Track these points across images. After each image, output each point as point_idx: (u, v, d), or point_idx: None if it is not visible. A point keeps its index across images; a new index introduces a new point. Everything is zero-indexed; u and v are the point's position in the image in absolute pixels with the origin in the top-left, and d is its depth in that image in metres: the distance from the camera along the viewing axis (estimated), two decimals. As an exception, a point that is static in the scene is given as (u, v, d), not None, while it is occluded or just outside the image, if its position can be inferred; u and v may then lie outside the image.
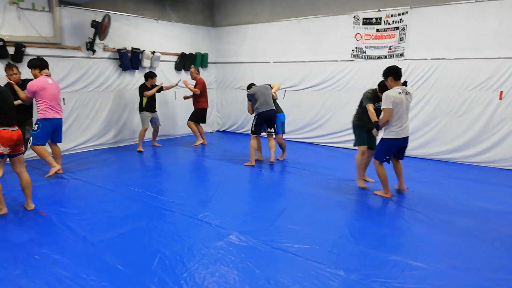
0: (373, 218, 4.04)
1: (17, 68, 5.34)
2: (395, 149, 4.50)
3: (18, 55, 5.90)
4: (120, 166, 6.01)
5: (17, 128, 3.95)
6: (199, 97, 7.48)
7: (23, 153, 4.16)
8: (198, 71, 7.68)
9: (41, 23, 6.23)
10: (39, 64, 5.14)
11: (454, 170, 5.91)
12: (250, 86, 6.39)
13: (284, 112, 6.48)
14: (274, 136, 6.21)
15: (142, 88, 7.03)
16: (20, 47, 5.89)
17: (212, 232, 3.61)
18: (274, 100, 6.16)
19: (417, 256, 3.16)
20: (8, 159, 4.19)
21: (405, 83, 4.47)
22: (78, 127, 6.92)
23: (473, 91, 6.12)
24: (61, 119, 5.33)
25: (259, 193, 5.00)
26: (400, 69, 4.40)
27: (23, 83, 5.31)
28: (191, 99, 7.61)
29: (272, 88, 6.12)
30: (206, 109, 7.72)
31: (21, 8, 5.97)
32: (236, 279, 2.80)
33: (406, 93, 4.31)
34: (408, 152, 6.69)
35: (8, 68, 5.29)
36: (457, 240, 3.50)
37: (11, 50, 5.85)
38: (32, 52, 6.11)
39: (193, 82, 7.64)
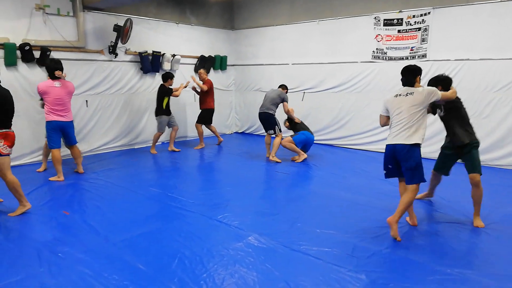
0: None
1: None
2: (389, 159, 3.67)
3: (44, 59, 6.07)
4: (140, 167, 6.09)
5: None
6: (206, 97, 7.49)
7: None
8: (207, 73, 7.82)
9: (65, 28, 6.41)
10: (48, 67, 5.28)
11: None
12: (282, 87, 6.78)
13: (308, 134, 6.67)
14: (273, 136, 6.64)
15: (164, 90, 6.92)
16: (45, 51, 6.06)
17: (231, 233, 3.62)
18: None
19: (442, 260, 3.09)
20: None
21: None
22: (100, 129, 7.07)
23: (498, 93, 5.95)
24: (66, 121, 5.25)
25: (278, 195, 4.99)
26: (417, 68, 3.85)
27: None
28: (198, 99, 7.67)
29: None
30: (212, 110, 7.70)
31: (46, 13, 6.15)
32: (255, 280, 2.79)
33: (407, 94, 3.63)
34: (429, 154, 6.63)
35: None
36: (484, 245, 3.40)
37: (36, 54, 6.03)
38: (57, 55, 6.27)
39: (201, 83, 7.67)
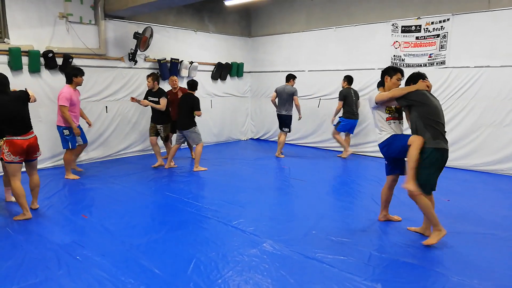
0: (411, 232, 3.90)
1: None
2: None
3: (66, 66, 6.25)
4: (157, 172, 6.17)
5: (30, 136, 4.10)
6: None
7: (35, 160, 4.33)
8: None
9: (87, 36, 6.58)
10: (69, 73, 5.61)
11: (499, 183, 5.62)
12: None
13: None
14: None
15: (196, 100, 6.15)
16: (67, 58, 6.24)
17: (246, 240, 3.62)
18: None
19: (459, 271, 3.03)
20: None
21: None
22: (119, 134, 7.20)
23: (520, 100, 5.82)
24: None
25: (293, 201, 4.98)
26: None
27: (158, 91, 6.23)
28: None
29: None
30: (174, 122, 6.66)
31: (69, 21, 6.34)
32: (270, 287, 2.79)
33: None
34: (449, 163, 6.46)
35: None
36: (503, 256, 3.31)
37: (59, 61, 6.21)
38: (78, 62, 6.45)
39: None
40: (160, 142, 6.80)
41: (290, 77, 7.31)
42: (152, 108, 6.27)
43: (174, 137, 6.84)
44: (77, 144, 5.74)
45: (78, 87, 5.71)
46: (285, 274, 2.97)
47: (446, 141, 3.49)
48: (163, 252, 3.36)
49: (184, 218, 4.21)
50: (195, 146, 6.37)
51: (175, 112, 6.44)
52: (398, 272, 3.04)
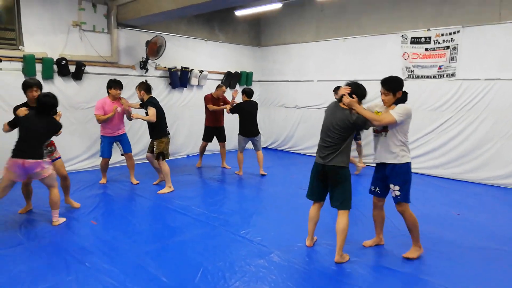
0: (429, 246, 3.86)
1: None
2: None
3: (78, 73, 6.35)
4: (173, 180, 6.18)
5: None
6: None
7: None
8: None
9: (100, 44, 6.69)
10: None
11: (511, 197, 5.54)
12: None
13: None
14: None
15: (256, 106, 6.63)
16: (80, 65, 6.34)
17: (254, 249, 3.62)
18: None
19: (468, 286, 2.98)
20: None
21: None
22: (130, 140, 7.22)
23: (532, 113, 5.76)
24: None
25: (301, 212, 4.95)
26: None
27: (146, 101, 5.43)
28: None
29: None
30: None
31: (83, 29, 6.45)
32: (277, 299, 2.78)
33: None
34: (459, 175, 6.46)
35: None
36: (514, 272, 3.26)
37: (72, 68, 6.31)
38: (91, 70, 6.56)
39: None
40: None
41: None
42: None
43: (214, 146, 7.23)
44: (121, 154, 5.85)
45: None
46: (292, 286, 2.96)
47: (321, 155, 3.41)
48: (171, 260, 3.37)
49: (192, 226, 4.22)
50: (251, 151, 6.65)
51: (211, 118, 6.85)
52: (406, 285, 3.01)
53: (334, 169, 3.33)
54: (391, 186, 3.40)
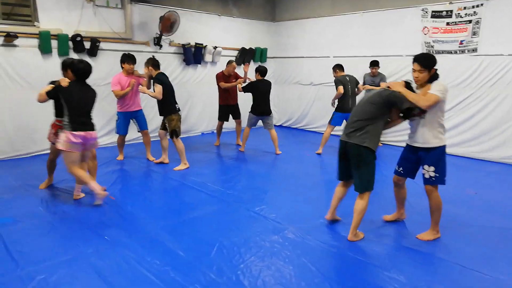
0: (448, 225, 3.84)
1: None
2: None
3: (93, 50, 6.35)
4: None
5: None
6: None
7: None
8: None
9: (114, 20, 6.66)
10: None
11: (530, 176, 5.44)
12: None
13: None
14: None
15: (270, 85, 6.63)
16: (95, 42, 6.34)
17: (268, 226, 3.66)
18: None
19: (483, 265, 2.97)
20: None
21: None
22: (146, 117, 7.27)
23: (556, 91, 5.57)
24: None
25: (317, 189, 4.97)
26: None
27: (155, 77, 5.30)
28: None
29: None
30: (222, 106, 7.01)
31: (96, 5, 6.41)
32: (292, 274, 2.82)
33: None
34: (478, 154, 6.34)
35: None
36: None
37: (87, 44, 6.31)
38: (105, 46, 6.56)
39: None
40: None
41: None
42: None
43: (229, 124, 7.37)
44: (138, 131, 5.94)
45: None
46: (307, 262, 3.00)
47: (346, 131, 3.34)
48: (188, 235, 3.44)
49: (208, 202, 4.27)
50: (268, 130, 6.57)
51: (225, 96, 6.80)
52: (421, 264, 3.02)
53: (355, 147, 3.22)
54: (426, 167, 3.29)
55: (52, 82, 4.08)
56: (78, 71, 3.97)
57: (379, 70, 7.03)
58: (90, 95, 4.09)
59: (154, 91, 5.27)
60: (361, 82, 7.22)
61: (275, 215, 3.91)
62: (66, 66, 4.14)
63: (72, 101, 3.93)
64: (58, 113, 4.20)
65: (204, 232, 3.51)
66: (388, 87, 3.28)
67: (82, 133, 3.94)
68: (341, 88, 6.14)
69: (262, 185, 4.95)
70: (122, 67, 5.60)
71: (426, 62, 3.25)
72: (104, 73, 6.58)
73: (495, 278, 2.80)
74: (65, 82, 3.93)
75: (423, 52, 3.36)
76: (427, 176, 3.31)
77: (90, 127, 4.06)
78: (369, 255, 3.13)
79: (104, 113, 6.70)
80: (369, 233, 3.52)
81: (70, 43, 6.16)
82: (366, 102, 3.29)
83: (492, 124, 6.19)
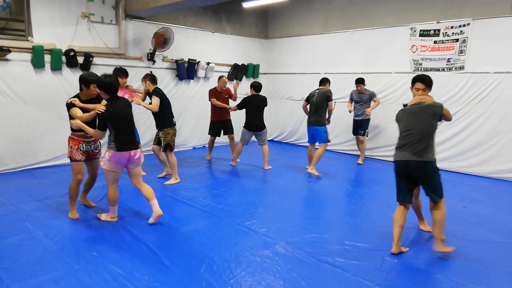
0: (426, 238, 3.87)
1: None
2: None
3: (86, 65, 6.39)
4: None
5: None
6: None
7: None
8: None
9: (108, 35, 6.72)
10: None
11: (518, 191, 5.52)
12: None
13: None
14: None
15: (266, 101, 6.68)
16: (88, 57, 6.37)
17: (259, 240, 3.65)
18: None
19: (474, 279, 2.99)
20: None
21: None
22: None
23: (541, 108, 5.70)
24: None
25: (306, 203, 4.99)
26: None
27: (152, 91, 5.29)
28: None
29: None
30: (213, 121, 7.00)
31: (91, 21, 6.48)
32: (281, 289, 2.82)
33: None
34: (466, 169, 6.43)
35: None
36: (520, 267, 3.26)
37: (80, 59, 6.35)
38: (98, 61, 6.60)
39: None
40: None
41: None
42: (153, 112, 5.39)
43: (221, 138, 7.26)
44: None
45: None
46: (297, 277, 2.99)
47: (409, 151, 3.39)
48: (177, 250, 3.42)
49: (198, 217, 4.26)
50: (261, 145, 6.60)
51: (217, 112, 6.80)
52: (410, 278, 3.03)
53: (428, 164, 3.34)
54: None
55: (69, 104, 3.84)
56: (108, 86, 3.70)
57: (366, 87, 7.10)
58: (129, 111, 3.90)
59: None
60: (348, 99, 7.31)
61: (266, 230, 3.90)
62: (89, 82, 3.87)
63: (119, 123, 3.75)
64: (77, 128, 3.95)
65: (194, 247, 3.49)
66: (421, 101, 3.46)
67: (126, 152, 3.80)
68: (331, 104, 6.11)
69: (253, 199, 4.95)
70: None
71: (429, 82, 3.54)
72: (97, 88, 6.59)
73: (483, 293, 2.82)
74: (101, 107, 3.64)
75: (423, 74, 3.62)
76: None
77: (135, 145, 3.89)
78: (359, 269, 3.13)
79: (95, 127, 6.68)
80: (352, 248, 3.53)
81: (64, 58, 6.19)
82: (428, 117, 3.37)
83: (479, 140, 6.29)
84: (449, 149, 6.61)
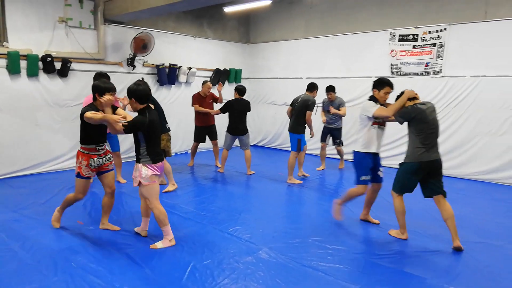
0: (406, 239, 3.91)
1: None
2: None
3: (64, 70, 6.26)
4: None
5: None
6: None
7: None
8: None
9: (86, 40, 6.61)
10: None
11: (495, 192, 5.65)
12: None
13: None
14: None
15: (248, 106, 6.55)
16: (66, 62, 6.25)
17: (242, 247, 3.63)
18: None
19: (453, 280, 3.04)
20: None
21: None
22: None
23: (515, 110, 5.87)
24: None
25: (289, 209, 4.99)
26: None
27: None
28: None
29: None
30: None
31: (69, 26, 6.36)
32: (265, 296, 2.79)
33: None
34: (444, 171, 6.44)
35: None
36: (498, 265, 3.33)
37: (57, 65, 6.21)
38: (77, 67, 6.48)
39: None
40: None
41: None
42: None
43: (203, 144, 7.17)
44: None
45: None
46: (280, 282, 2.98)
47: (435, 150, 3.69)
48: (159, 259, 3.36)
49: (180, 224, 4.20)
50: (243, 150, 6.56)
51: (201, 117, 6.71)
52: (392, 280, 3.05)
53: (440, 161, 3.73)
54: (381, 169, 4.12)
55: (83, 114, 3.55)
56: (143, 94, 3.44)
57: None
58: (159, 121, 3.70)
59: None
60: (320, 107, 7.19)
61: (249, 236, 3.88)
62: (103, 90, 3.60)
63: (154, 133, 3.52)
64: (88, 139, 3.72)
65: (176, 256, 3.43)
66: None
67: (161, 164, 3.58)
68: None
69: (236, 205, 4.92)
70: None
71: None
72: (75, 94, 6.49)
73: (463, 294, 2.87)
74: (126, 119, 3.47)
75: (387, 78, 4.01)
76: (381, 176, 4.15)
77: (163, 156, 3.72)
78: (341, 273, 3.13)
79: (74, 134, 6.55)
80: (335, 252, 3.54)
81: (40, 64, 6.05)
82: (435, 119, 3.68)
83: (457, 142, 6.44)
84: (428, 152, 6.72)
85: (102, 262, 3.27)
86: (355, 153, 4.06)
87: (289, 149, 6.08)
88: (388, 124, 4.09)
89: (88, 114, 3.51)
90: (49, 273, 3.07)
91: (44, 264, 3.22)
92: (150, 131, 3.46)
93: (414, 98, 3.70)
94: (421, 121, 3.59)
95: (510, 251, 3.63)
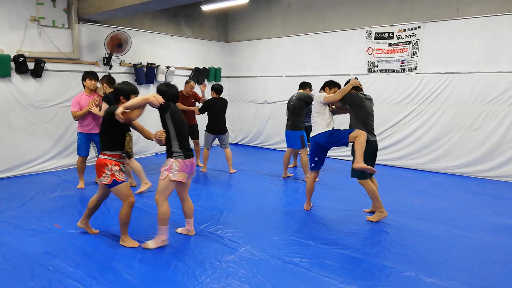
0: (386, 233, 3.99)
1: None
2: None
3: (38, 70, 6.09)
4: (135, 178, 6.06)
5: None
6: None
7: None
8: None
9: (60, 39, 6.44)
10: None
11: (469, 185, 5.82)
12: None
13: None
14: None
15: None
16: (39, 62, 6.07)
17: (224, 246, 3.61)
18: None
19: (432, 272, 3.11)
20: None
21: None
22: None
23: (488, 105, 6.05)
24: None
25: (271, 207, 4.99)
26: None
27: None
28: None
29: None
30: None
31: (42, 25, 6.18)
32: (247, 293, 2.79)
33: None
34: (422, 166, 6.71)
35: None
36: (474, 256, 3.43)
37: (31, 65, 6.03)
38: (51, 67, 6.31)
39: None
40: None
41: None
42: None
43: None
44: (96, 155, 5.21)
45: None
46: (263, 280, 2.98)
47: (374, 135, 4.36)
48: (140, 261, 3.31)
49: (161, 225, 4.15)
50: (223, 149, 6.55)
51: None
52: (374, 275, 3.10)
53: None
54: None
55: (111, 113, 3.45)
56: (174, 94, 3.63)
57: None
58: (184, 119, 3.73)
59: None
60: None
61: (231, 234, 3.87)
62: (128, 93, 3.57)
63: (181, 125, 3.58)
64: (112, 145, 3.60)
65: (157, 257, 3.39)
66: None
67: (192, 159, 3.61)
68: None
69: (218, 204, 4.90)
70: (84, 86, 5.37)
71: None
72: (50, 95, 6.33)
73: (441, 284, 2.93)
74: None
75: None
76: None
77: (193, 154, 3.70)
78: (323, 268, 3.16)
79: (49, 135, 6.40)
80: (317, 248, 3.58)
81: (12, 64, 5.86)
82: (372, 109, 4.37)
83: (433, 137, 6.59)
84: (406, 147, 6.87)
85: (81, 266, 3.20)
86: (321, 134, 4.34)
87: (272, 147, 6.11)
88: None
89: (121, 107, 3.37)
90: (26, 278, 2.99)
91: (20, 270, 3.12)
92: (180, 122, 3.59)
93: (358, 88, 4.36)
94: (359, 105, 4.27)
95: (486, 242, 3.74)
